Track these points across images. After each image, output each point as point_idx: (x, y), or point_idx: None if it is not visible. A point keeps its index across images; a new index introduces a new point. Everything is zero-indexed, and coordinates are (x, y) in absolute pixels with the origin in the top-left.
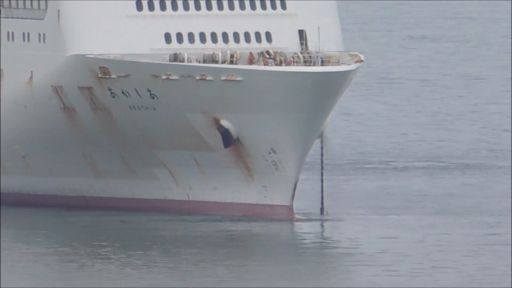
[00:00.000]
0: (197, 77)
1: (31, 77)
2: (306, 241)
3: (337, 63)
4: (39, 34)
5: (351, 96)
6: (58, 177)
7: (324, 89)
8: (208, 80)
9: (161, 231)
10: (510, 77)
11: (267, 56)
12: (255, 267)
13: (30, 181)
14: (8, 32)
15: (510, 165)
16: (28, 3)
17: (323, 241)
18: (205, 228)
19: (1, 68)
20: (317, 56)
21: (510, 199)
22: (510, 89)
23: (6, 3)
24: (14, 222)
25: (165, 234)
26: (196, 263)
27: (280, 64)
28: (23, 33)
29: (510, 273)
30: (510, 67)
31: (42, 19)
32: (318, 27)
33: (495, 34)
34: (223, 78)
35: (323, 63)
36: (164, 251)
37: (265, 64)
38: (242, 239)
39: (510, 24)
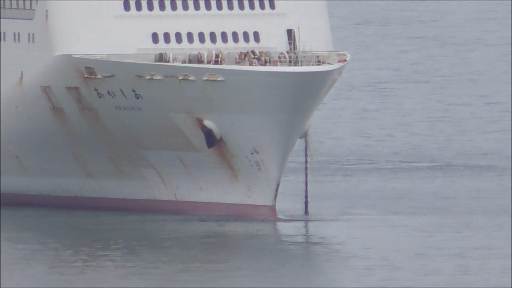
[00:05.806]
0: (180, 77)
1: (21, 77)
2: (289, 242)
3: (320, 63)
4: (29, 34)
5: (340, 95)
6: (51, 177)
7: (305, 89)
8: (190, 80)
9: (155, 232)
10: (510, 77)
11: (252, 56)
12: (237, 268)
13: (23, 182)
14: (0, 32)
15: (510, 165)
16: (20, 3)
17: (306, 241)
18: (190, 228)
19: None
20: (298, 56)
21: (510, 200)
22: (510, 89)
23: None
24: (9, 222)
25: (158, 234)
26: (181, 264)
27: (265, 64)
28: (14, 33)
29: (510, 273)
30: (510, 67)
31: (31, 19)
32: (299, 27)
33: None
34: (205, 78)
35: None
36: (156, 252)
37: (249, 64)
38: (224, 239)
39: (510, 24)
